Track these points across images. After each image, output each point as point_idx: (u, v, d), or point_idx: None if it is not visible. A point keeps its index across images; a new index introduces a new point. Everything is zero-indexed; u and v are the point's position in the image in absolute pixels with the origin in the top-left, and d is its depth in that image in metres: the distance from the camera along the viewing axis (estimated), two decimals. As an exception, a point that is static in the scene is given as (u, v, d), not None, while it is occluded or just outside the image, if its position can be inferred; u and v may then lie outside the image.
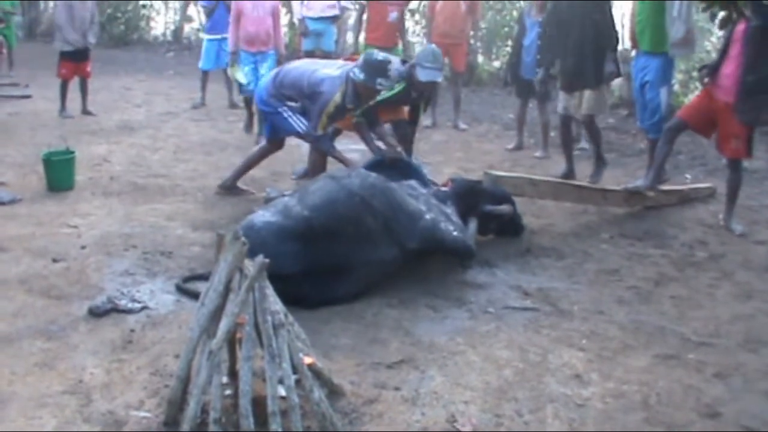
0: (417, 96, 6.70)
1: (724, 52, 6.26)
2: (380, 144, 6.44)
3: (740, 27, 6.07)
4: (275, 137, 6.76)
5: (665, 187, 7.08)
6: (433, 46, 6.82)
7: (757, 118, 6.15)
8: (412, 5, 12.58)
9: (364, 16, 10.28)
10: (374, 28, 9.52)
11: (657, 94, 7.22)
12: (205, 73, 11.22)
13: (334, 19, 10.62)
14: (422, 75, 6.33)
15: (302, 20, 10.37)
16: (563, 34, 7.51)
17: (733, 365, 4.15)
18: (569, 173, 7.73)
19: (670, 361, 4.16)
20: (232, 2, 8.94)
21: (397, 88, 6.47)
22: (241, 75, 9.00)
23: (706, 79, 6.42)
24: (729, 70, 6.14)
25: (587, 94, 7.42)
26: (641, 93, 7.41)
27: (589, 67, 7.36)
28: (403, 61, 6.60)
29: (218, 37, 10.88)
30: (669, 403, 3.75)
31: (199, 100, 11.31)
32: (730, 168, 6.45)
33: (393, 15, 9.30)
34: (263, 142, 7.09)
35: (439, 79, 6.61)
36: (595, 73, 7.37)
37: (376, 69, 5.89)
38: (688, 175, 8.18)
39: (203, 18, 18.03)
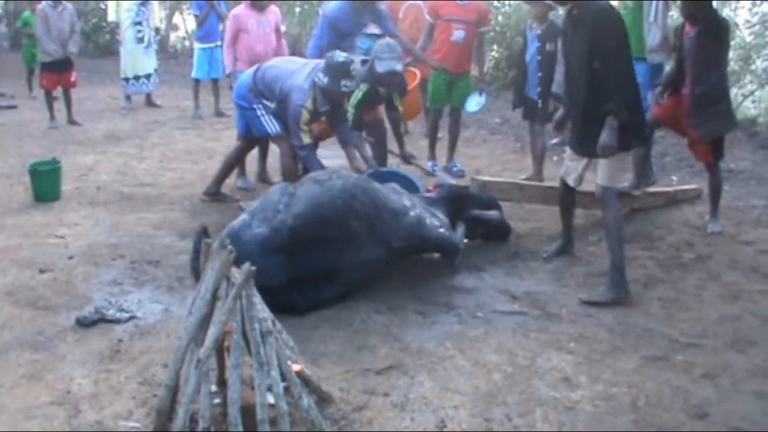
0: (385, 91, 6.67)
1: (680, 62, 6.24)
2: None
3: (685, 37, 6.10)
4: (249, 134, 6.74)
5: (652, 189, 7.10)
6: (389, 39, 6.76)
7: (712, 131, 6.15)
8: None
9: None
10: (437, 48, 8.00)
11: (644, 98, 7.22)
12: (197, 83, 11.14)
13: (379, 36, 9.99)
14: (380, 67, 6.31)
15: None
16: (568, 72, 5.42)
17: (721, 366, 4.16)
18: (566, 245, 5.88)
19: (658, 363, 4.17)
20: (230, 19, 7.73)
21: (364, 88, 6.51)
22: None
23: (659, 99, 6.46)
24: (687, 78, 6.16)
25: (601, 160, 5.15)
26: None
27: (587, 132, 5.13)
28: (364, 62, 6.53)
29: (211, 45, 10.86)
30: (658, 404, 3.76)
31: (196, 111, 11.18)
32: (708, 170, 6.48)
33: (458, 34, 7.80)
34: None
35: (398, 68, 6.45)
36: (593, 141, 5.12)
37: (338, 71, 5.88)
38: (674, 177, 8.21)
39: (188, 27, 18.13)
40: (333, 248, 4.71)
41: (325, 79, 5.88)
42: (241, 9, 7.71)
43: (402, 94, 6.87)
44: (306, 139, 6.03)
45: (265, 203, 4.87)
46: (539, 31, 7.40)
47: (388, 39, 6.68)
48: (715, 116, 6.07)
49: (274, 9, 7.87)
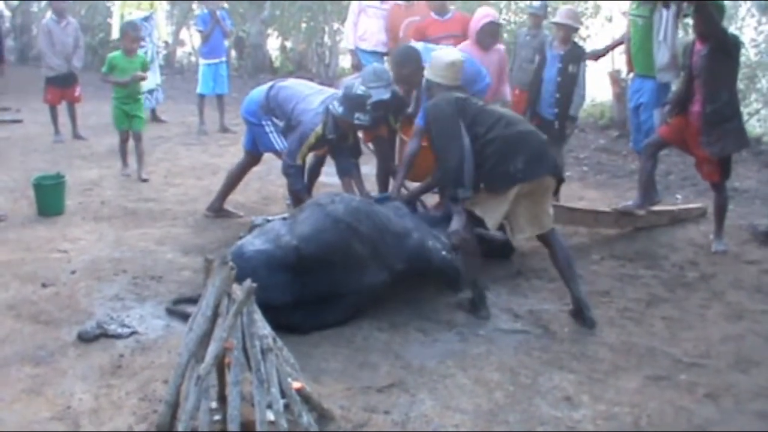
0: (381, 113, 6.32)
1: (689, 81, 6.24)
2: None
3: (696, 56, 6.11)
4: (255, 150, 6.73)
5: (656, 207, 7.07)
6: (375, 64, 6.64)
7: (723, 149, 6.13)
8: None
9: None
10: None
11: (650, 116, 7.20)
12: (202, 98, 11.12)
13: (384, 55, 9.30)
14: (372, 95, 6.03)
15: (354, 51, 9.37)
16: None
17: (724, 386, 4.15)
18: None
19: (661, 383, 4.16)
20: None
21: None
22: None
23: (669, 119, 6.46)
24: (697, 96, 6.16)
25: None
26: (636, 115, 7.41)
27: None
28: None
29: (216, 61, 10.85)
30: (660, 424, 3.74)
31: (201, 127, 11.15)
32: (714, 189, 6.46)
33: None
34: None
35: (387, 96, 6.14)
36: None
37: (354, 104, 5.81)
38: (678, 196, 8.19)
39: (195, 42, 18.19)
40: (337, 272, 4.69)
41: (340, 109, 5.85)
42: (466, 46, 7.15)
43: (398, 115, 6.76)
44: (299, 161, 6.04)
45: (265, 229, 4.89)
46: (562, 52, 7.29)
47: (375, 65, 6.58)
48: (726, 134, 6.07)
49: (498, 48, 7.38)
